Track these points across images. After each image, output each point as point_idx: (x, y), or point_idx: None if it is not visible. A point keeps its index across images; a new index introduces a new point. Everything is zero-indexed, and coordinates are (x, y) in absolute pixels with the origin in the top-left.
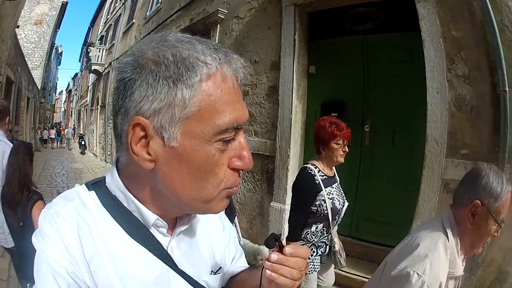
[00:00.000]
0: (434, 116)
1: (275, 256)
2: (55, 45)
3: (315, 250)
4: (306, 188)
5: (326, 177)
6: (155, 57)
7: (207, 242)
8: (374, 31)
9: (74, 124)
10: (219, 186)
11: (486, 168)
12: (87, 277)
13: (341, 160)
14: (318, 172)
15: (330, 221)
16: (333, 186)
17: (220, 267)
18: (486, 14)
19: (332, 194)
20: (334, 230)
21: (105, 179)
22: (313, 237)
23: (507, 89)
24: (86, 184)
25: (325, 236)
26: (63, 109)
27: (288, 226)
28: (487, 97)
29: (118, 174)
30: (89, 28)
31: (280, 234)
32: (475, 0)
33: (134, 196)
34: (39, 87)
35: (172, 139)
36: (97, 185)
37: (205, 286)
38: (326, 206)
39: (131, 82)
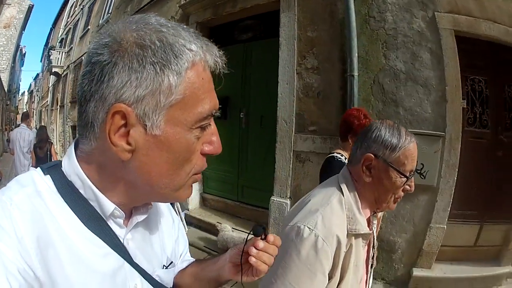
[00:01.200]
0: (283, 102)
1: (261, 243)
2: (20, 47)
3: None
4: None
5: None
6: (140, 41)
7: (159, 236)
8: (253, 39)
9: (36, 125)
10: (190, 172)
11: (378, 123)
12: (41, 271)
13: None
14: (344, 160)
15: None
16: None
17: (172, 262)
18: (347, 10)
19: None
20: None
21: (61, 163)
22: None
23: (354, 74)
24: (42, 168)
25: None
26: (25, 110)
27: None
28: (336, 83)
29: (77, 159)
30: (51, 30)
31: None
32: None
33: (93, 183)
34: (5, 90)
35: (155, 128)
36: (53, 169)
37: (159, 281)
38: None
39: (110, 66)
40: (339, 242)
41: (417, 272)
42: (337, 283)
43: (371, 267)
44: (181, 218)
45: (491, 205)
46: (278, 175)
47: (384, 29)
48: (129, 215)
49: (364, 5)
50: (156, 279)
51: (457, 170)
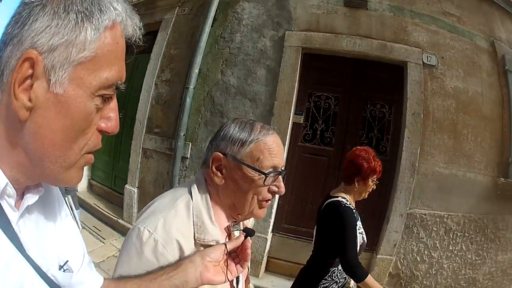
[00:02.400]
0: (141, 107)
1: (250, 243)
2: None
3: None
4: (351, 223)
5: (354, 210)
6: None
7: (54, 229)
8: (142, 52)
9: None
10: (83, 149)
11: (228, 122)
12: None
13: (365, 196)
14: (349, 205)
15: None
16: (358, 219)
17: (67, 261)
18: (201, 31)
19: (361, 228)
20: None
21: None
22: (339, 276)
23: (189, 87)
24: None
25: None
26: None
27: (347, 268)
28: (178, 94)
29: None
30: None
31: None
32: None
33: None
34: None
35: (59, 85)
36: None
37: (55, 282)
38: (357, 242)
39: (39, 8)
40: (181, 250)
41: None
42: None
43: (237, 282)
44: (74, 217)
45: None
46: (131, 167)
47: (229, 48)
48: (20, 198)
49: (220, 27)
50: (52, 278)
51: None
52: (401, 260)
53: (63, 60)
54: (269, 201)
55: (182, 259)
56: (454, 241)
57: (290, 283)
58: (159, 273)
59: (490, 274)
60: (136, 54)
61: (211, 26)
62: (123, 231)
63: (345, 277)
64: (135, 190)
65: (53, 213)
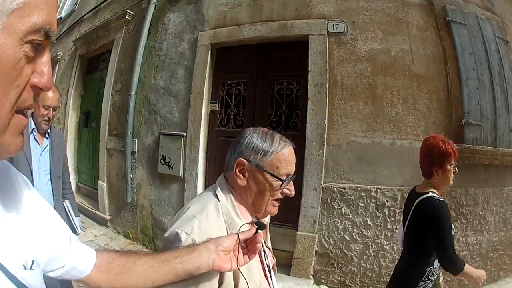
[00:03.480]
0: (103, 114)
1: (261, 237)
2: None
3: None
4: (448, 216)
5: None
6: None
7: (18, 223)
8: (106, 69)
9: None
10: (15, 105)
11: (251, 130)
12: None
13: (451, 183)
14: (442, 199)
15: None
16: None
17: (34, 261)
18: (137, 45)
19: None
20: None
21: None
22: (434, 274)
23: (131, 93)
24: None
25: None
26: None
27: (448, 263)
28: (126, 101)
29: None
30: None
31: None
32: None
33: None
34: None
35: None
36: None
37: (26, 284)
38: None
39: None
40: None
41: None
42: (233, 286)
43: (269, 271)
44: (74, 223)
45: None
46: (100, 166)
47: (158, 56)
48: None
49: (152, 39)
50: (23, 282)
51: (198, 164)
52: (326, 238)
53: None
54: (280, 201)
55: (196, 245)
56: (392, 219)
57: None
58: (172, 255)
59: (462, 258)
60: (101, 70)
61: (147, 39)
62: (99, 220)
63: (438, 273)
64: (105, 184)
65: (15, 205)
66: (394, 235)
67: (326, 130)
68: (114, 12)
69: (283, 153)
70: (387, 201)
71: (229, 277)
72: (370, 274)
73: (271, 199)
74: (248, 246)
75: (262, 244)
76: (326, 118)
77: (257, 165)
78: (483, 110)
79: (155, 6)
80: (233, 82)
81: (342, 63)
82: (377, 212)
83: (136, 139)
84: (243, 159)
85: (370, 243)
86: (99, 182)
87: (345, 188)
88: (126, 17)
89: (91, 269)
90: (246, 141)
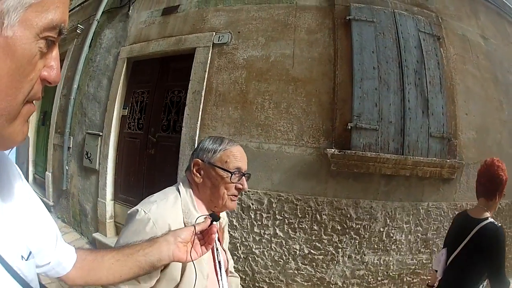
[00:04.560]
0: (53, 114)
1: (216, 228)
2: None
3: None
4: (505, 244)
5: None
6: None
7: (13, 213)
8: None
9: None
10: (26, 97)
11: (206, 137)
12: None
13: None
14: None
15: None
16: None
17: (30, 252)
18: (79, 57)
19: None
20: None
21: None
22: None
23: (70, 98)
24: None
25: None
26: None
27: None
28: (68, 105)
29: None
30: None
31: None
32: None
33: None
34: None
35: (10, 28)
36: None
37: (21, 275)
38: None
39: None
40: (169, 228)
41: (96, 235)
42: (179, 275)
43: (220, 268)
44: None
45: (149, 194)
46: (48, 159)
47: (93, 67)
48: None
49: (92, 51)
50: (18, 272)
51: (108, 159)
52: None
53: (17, 4)
54: (237, 197)
55: (157, 237)
56: (260, 223)
57: None
58: (135, 249)
59: (359, 278)
60: None
61: (87, 52)
62: (46, 207)
63: None
64: (50, 174)
65: (11, 196)
66: (265, 241)
67: (197, 133)
68: (71, 25)
69: (231, 150)
70: (252, 204)
71: (177, 264)
72: (244, 277)
73: (227, 193)
74: (204, 238)
75: (216, 241)
76: (199, 122)
77: (209, 162)
78: (384, 113)
79: (98, 22)
80: (140, 91)
81: (220, 71)
82: (242, 214)
83: (72, 137)
84: (198, 160)
85: (238, 244)
86: (46, 172)
87: None
88: (77, 30)
89: (73, 265)
90: (201, 145)
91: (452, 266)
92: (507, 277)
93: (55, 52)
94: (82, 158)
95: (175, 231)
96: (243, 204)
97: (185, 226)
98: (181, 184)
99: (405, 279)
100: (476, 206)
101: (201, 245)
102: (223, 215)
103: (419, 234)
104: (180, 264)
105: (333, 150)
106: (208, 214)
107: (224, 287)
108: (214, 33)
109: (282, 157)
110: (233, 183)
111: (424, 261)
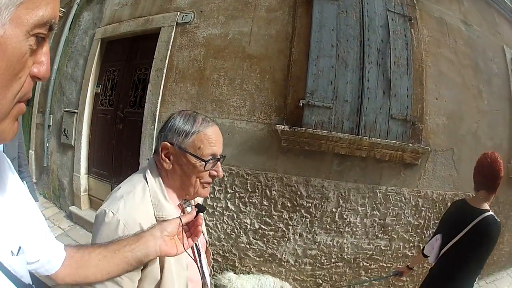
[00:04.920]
0: (36, 94)
1: (202, 219)
2: None
3: None
4: (495, 242)
5: None
6: None
7: (3, 208)
8: None
9: None
10: (16, 96)
11: (175, 113)
12: None
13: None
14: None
15: None
16: None
17: (20, 247)
18: (60, 40)
19: None
20: None
21: None
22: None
23: (51, 78)
24: None
25: None
26: None
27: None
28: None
29: None
30: None
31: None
32: None
33: None
34: None
35: (1, 26)
36: None
37: (11, 271)
38: None
39: None
40: (141, 226)
41: (72, 208)
42: (159, 270)
43: (199, 254)
44: None
45: (117, 168)
46: (31, 138)
47: (71, 48)
48: None
49: (71, 33)
50: (9, 268)
51: (82, 135)
52: None
53: (8, 2)
54: (210, 183)
55: (143, 232)
56: (212, 196)
57: None
58: (122, 244)
59: (311, 258)
60: None
61: (67, 34)
62: None
63: None
64: (33, 152)
65: (2, 190)
66: (217, 213)
67: (158, 108)
68: None
69: (206, 133)
70: None
71: (156, 261)
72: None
73: (199, 181)
74: (190, 229)
75: None
76: (160, 98)
77: (180, 147)
78: (339, 91)
79: (78, 5)
80: (112, 69)
81: (181, 49)
82: None
83: (52, 115)
84: (167, 143)
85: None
86: (30, 150)
87: None
88: (59, 13)
89: (62, 263)
90: (169, 125)
91: (449, 253)
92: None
93: (45, 48)
94: (60, 135)
95: (161, 225)
96: None
97: (156, 220)
98: (148, 171)
99: (361, 264)
100: (476, 197)
101: (187, 237)
102: None
103: (376, 219)
104: (158, 260)
105: (283, 126)
106: (193, 205)
107: (205, 273)
108: (178, 12)
109: (234, 132)
110: (207, 171)
111: (383, 247)
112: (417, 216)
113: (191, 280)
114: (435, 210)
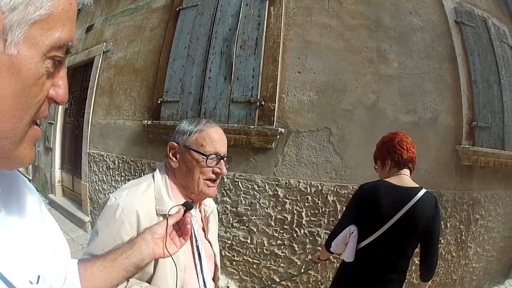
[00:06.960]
0: None
1: (190, 218)
2: None
3: None
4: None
5: None
6: None
7: (25, 233)
8: None
9: None
10: (32, 117)
11: (184, 119)
12: None
13: None
14: None
15: None
16: None
17: (39, 276)
18: None
19: None
20: None
21: None
22: None
23: None
24: None
25: None
26: None
27: (432, 272)
28: None
29: None
30: None
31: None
32: None
33: None
34: None
35: (14, 45)
36: None
37: None
38: None
39: None
40: (138, 218)
41: (51, 196)
42: (152, 268)
43: (200, 257)
44: None
45: (76, 163)
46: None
47: None
48: None
49: None
50: None
51: (56, 140)
52: (93, 187)
53: (20, 19)
54: (215, 182)
55: (135, 238)
56: (115, 178)
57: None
58: (118, 253)
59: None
60: None
61: None
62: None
63: None
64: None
65: (19, 216)
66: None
67: (90, 116)
68: None
69: (208, 132)
70: (111, 164)
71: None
72: None
73: (202, 177)
74: (181, 228)
75: (194, 229)
76: (91, 109)
77: (184, 145)
78: (186, 86)
79: None
80: (74, 90)
81: (103, 72)
82: (107, 171)
83: (40, 126)
84: (173, 143)
85: (106, 194)
86: None
87: (94, 153)
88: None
89: (79, 281)
90: (177, 128)
91: (377, 244)
92: None
93: (62, 72)
94: (45, 141)
95: (151, 228)
96: (106, 164)
97: (157, 214)
98: (157, 170)
99: (223, 253)
100: (400, 176)
101: (179, 237)
102: (209, 202)
103: (227, 206)
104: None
105: (147, 121)
106: (181, 203)
107: (206, 280)
108: (104, 43)
109: (125, 129)
110: (209, 167)
111: (242, 239)
112: (280, 208)
113: (187, 284)
114: (307, 204)
